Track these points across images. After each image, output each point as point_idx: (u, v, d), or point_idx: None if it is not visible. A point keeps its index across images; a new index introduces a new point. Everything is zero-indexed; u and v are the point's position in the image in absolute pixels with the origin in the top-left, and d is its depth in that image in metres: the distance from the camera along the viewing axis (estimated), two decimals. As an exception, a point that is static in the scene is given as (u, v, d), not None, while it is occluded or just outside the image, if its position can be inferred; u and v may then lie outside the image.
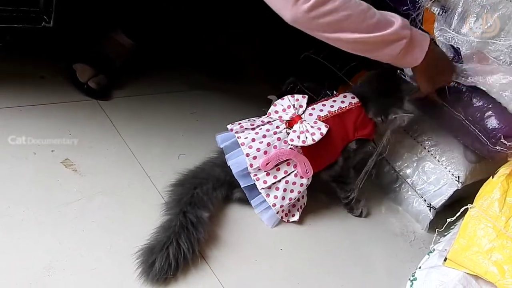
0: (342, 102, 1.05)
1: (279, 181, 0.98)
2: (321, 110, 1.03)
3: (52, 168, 0.96)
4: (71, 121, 1.09)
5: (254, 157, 0.97)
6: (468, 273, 0.85)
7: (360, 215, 1.12)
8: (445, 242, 0.96)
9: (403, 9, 1.11)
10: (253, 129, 1.01)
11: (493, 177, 0.91)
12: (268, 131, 1.00)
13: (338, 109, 1.03)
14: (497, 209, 0.86)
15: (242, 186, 0.99)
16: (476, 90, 1.00)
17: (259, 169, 0.98)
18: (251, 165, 0.97)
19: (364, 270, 1.00)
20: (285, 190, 0.99)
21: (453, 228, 0.98)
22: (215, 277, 0.86)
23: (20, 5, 1.12)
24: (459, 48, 0.99)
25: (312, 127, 0.99)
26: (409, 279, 0.91)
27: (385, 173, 1.22)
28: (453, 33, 1.00)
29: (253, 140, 0.99)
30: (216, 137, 1.03)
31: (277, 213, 1.00)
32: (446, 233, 0.99)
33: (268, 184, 0.98)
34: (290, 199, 1.00)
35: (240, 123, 1.02)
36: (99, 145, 1.05)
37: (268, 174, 0.98)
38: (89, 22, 1.28)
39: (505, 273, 0.80)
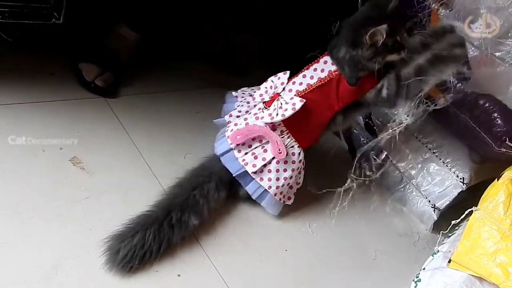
0: (322, 70, 1.00)
1: (269, 162, 0.98)
2: (300, 84, 1.00)
3: (60, 166, 0.97)
4: (79, 119, 1.10)
5: (230, 136, 0.99)
6: (472, 275, 0.85)
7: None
8: (450, 243, 0.96)
9: (411, 11, 1.12)
10: (238, 116, 1.03)
11: (498, 180, 0.91)
12: (250, 113, 1.01)
13: (317, 81, 1.00)
14: (502, 212, 0.86)
15: (233, 175, 0.98)
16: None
17: (244, 151, 0.97)
18: (232, 144, 0.98)
19: (368, 270, 1.01)
20: (277, 170, 0.98)
21: (457, 229, 0.98)
22: (221, 278, 0.87)
23: (30, 1, 1.13)
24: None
25: (286, 103, 0.98)
26: (413, 280, 0.92)
27: (390, 173, 1.22)
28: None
29: (236, 124, 1.00)
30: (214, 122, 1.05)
31: (275, 195, 0.99)
32: (450, 234, 1.00)
33: (258, 167, 0.97)
34: (285, 178, 0.98)
35: (231, 114, 1.04)
36: (107, 143, 1.06)
37: (256, 158, 0.98)
38: (94, 17, 1.28)
39: (509, 275, 0.81)
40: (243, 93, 1.11)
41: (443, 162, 1.13)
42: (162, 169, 1.04)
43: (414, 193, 1.19)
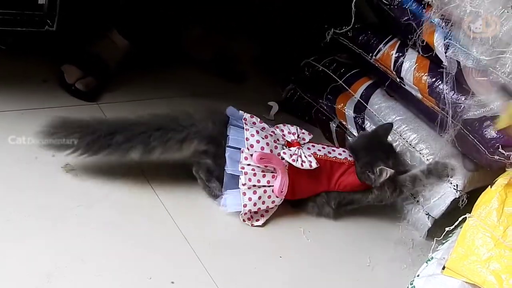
0: (340, 154, 1.10)
1: (260, 187, 1.01)
2: (319, 150, 1.09)
3: (53, 173, 0.96)
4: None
5: (251, 145, 1.00)
6: (466, 282, 0.85)
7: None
8: (444, 250, 0.96)
9: (404, 19, 1.13)
10: (254, 123, 1.07)
11: (491, 187, 0.92)
12: (272, 136, 1.05)
13: (333, 158, 1.08)
14: (495, 219, 0.86)
15: (227, 170, 1.00)
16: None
17: (248, 163, 0.99)
18: (243, 151, 1.00)
19: (363, 277, 1.01)
20: (260, 197, 1.01)
21: (451, 236, 0.99)
22: (215, 285, 0.86)
23: (23, 8, 1.13)
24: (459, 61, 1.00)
25: (306, 157, 1.04)
26: (407, 287, 0.92)
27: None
28: (460, 47, 1.01)
29: (257, 132, 1.03)
30: (228, 108, 1.07)
31: (244, 214, 1.01)
32: (444, 241, 1.00)
33: (250, 184, 1.00)
34: (259, 209, 1.02)
35: (252, 115, 1.08)
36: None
37: (254, 175, 1.00)
38: (85, 22, 1.28)
39: (502, 282, 0.81)
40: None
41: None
42: (154, 176, 1.04)
43: (408, 200, 1.19)
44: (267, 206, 1.03)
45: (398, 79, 1.19)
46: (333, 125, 1.37)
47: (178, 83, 1.41)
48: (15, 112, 1.07)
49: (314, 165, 1.04)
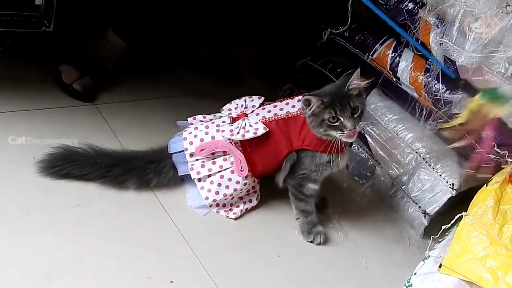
0: (293, 107, 1.02)
1: (214, 174, 1.01)
2: (269, 112, 1.02)
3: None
4: (70, 126, 1.10)
5: (191, 142, 1.01)
6: (462, 280, 0.86)
7: (312, 241, 1.04)
8: (440, 248, 0.97)
9: (400, 19, 1.14)
10: (201, 121, 1.06)
11: (487, 185, 0.92)
12: (213, 123, 1.03)
13: (285, 114, 1.02)
14: (491, 217, 0.87)
15: (179, 175, 1.02)
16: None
17: (196, 157, 1.00)
18: (185, 149, 1.00)
19: (361, 276, 1.02)
20: (219, 184, 1.00)
21: (447, 235, 1.00)
22: (214, 284, 0.87)
23: (21, 9, 1.13)
24: (454, 60, 1.01)
25: (250, 125, 1.00)
26: (405, 285, 0.92)
27: (381, 180, 1.23)
28: (452, 44, 1.02)
29: (196, 128, 1.03)
30: (177, 123, 1.09)
31: (210, 206, 1.02)
32: (440, 240, 1.01)
33: (202, 175, 1.00)
34: (225, 194, 1.01)
35: (195, 117, 1.07)
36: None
37: (203, 166, 1.01)
38: (82, 23, 1.28)
39: (498, 279, 0.82)
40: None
41: (433, 168, 1.15)
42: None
43: (405, 199, 1.20)
44: (234, 189, 1.00)
45: (394, 79, 1.20)
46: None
47: (175, 83, 1.42)
48: (13, 113, 1.08)
49: (260, 131, 0.98)
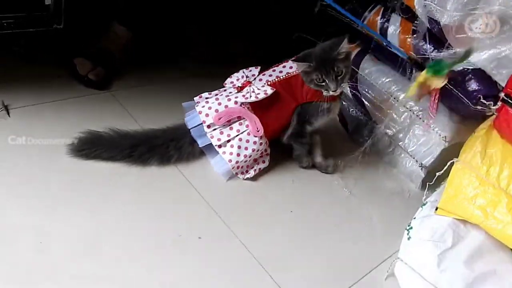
0: (291, 67, 1.15)
1: (233, 138, 1.10)
2: (270, 76, 1.14)
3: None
4: (91, 113, 1.20)
5: (206, 115, 1.10)
6: (456, 219, 0.96)
7: (304, 166, 1.21)
8: (436, 194, 1.06)
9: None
10: (207, 98, 1.14)
11: (474, 133, 1.01)
12: (221, 95, 1.13)
13: (286, 75, 1.14)
14: (479, 160, 0.95)
15: (200, 146, 1.11)
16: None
17: (213, 127, 1.09)
18: (203, 122, 1.09)
19: (366, 225, 1.11)
20: (239, 147, 1.10)
21: (443, 184, 1.08)
22: (235, 236, 0.97)
23: (31, 10, 1.21)
24: (438, 21, 1.08)
25: (259, 89, 1.11)
26: (406, 228, 1.02)
27: (379, 139, 1.32)
28: (435, 5, 1.08)
29: (207, 102, 1.11)
30: (182, 104, 1.16)
31: (233, 168, 1.10)
32: (436, 188, 1.09)
33: (222, 141, 1.09)
34: (245, 155, 1.10)
35: (201, 95, 1.16)
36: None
37: (221, 133, 1.10)
38: (90, 18, 1.37)
39: (488, 215, 0.91)
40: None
41: (427, 124, 1.22)
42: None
43: (402, 155, 1.29)
44: (252, 150, 1.10)
45: (385, 43, 1.27)
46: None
47: (179, 66, 1.51)
48: (33, 106, 1.17)
49: (269, 91, 1.10)
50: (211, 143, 1.11)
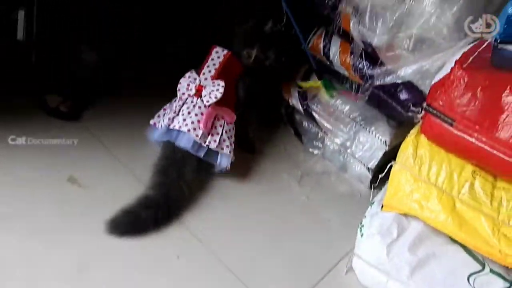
0: (218, 57, 1.29)
1: (221, 134, 1.23)
2: (210, 71, 1.27)
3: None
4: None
5: (194, 129, 1.20)
6: (399, 214, 1.07)
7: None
8: (382, 193, 1.17)
9: (325, 13, 1.32)
10: (176, 113, 1.22)
11: (407, 138, 1.13)
12: (189, 108, 1.22)
13: (219, 63, 1.29)
14: (412, 161, 1.07)
15: (202, 158, 1.21)
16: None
17: (204, 135, 1.20)
18: (196, 136, 1.19)
19: (323, 227, 1.23)
20: (230, 137, 1.24)
21: (387, 183, 1.18)
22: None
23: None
24: (370, 42, 1.22)
25: (213, 86, 1.24)
26: (359, 226, 1.13)
27: (330, 148, 1.45)
28: (367, 30, 1.20)
29: (184, 120, 1.21)
30: (149, 138, 1.24)
31: (230, 152, 1.23)
32: (382, 187, 1.20)
33: (217, 142, 1.21)
34: (231, 136, 1.25)
35: (158, 114, 1.27)
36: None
37: (212, 135, 1.22)
38: (59, 46, 1.39)
39: (423, 207, 1.03)
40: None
41: (369, 131, 1.35)
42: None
43: (351, 160, 1.41)
44: (234, 134, 1.27)
45: (328, 62, 1.40)
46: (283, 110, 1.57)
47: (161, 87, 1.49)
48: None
49: (222, 84, 1.23)
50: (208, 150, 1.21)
